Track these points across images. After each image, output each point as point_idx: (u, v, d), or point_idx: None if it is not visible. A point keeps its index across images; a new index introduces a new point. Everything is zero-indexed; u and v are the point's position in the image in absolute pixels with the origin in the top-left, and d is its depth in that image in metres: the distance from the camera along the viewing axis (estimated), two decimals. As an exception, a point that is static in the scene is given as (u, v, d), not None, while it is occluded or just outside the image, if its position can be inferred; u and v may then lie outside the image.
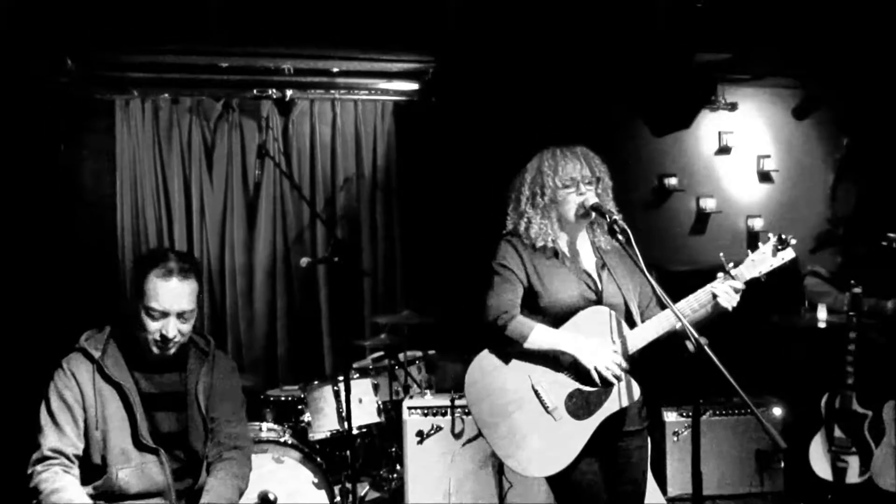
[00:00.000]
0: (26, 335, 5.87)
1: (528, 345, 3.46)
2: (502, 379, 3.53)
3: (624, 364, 3.47)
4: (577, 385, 3.49)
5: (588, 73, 6.78)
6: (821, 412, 5.56)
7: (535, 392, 3.50)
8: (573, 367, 3.48)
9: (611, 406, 3.49)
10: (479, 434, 3.62)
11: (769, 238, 3.55)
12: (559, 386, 3.50)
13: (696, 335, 3.07)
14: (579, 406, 3.48)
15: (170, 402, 3.32)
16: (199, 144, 6.95)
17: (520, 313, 3.55)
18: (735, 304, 3.50)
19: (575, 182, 3.58)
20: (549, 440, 3.46)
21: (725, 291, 3.48)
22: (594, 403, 3.48)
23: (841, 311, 5.74)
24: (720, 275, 3.53)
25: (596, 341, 3.46)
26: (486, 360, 3.57)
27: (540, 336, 3.47)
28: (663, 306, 3.48)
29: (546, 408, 3.48)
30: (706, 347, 3.02)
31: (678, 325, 3.39)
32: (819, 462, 5.54)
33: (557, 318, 3.54)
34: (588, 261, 3.70)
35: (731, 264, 3.54)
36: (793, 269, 6.90)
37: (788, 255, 3.54)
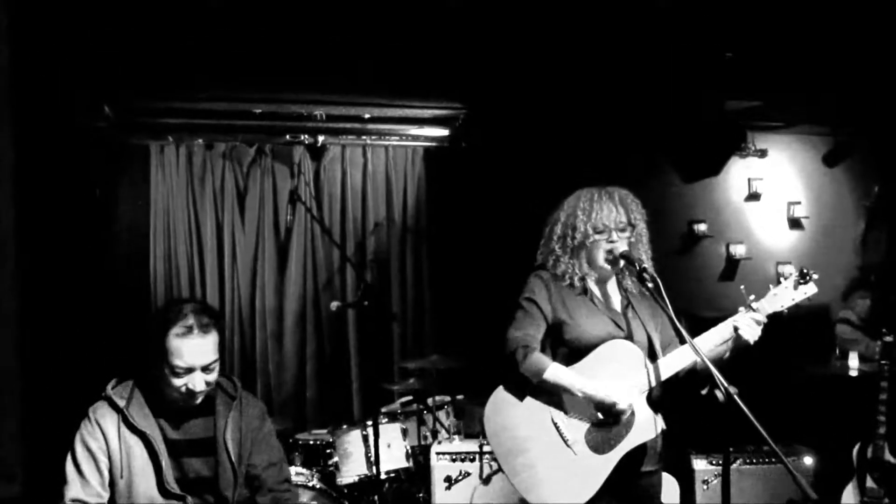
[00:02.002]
0: (60, 379, 5.91)
1: (543, 383, 3.47)
2: (522, 411, 3.53)
3: (637, 399, 3.48)
4: (597, 418, 3.48)
5: (618, 120, 6.82)
6: (852, 462, 5.48)
7: (555, 425, 3.50)
8: (593, 401, 3.47)
9: (633, 439, 3.49)
10: (500, 469, 3.60)
11: (791, 272, 3.58)
12: (579, 419, 3.50)
13: (726, 384, 3.06)
14: (600, 440, 3.48)
15: (198, 448, 3.31)
16: (231, 189, 7.02)
17: (540, 349, 3.56)
18: (757, 338, 3.50)
19: (607, 229, 3.59)
20: (568, 474, 3.45)
21: (747, 324, 3.48)
22: (615, 437, 3.48)
23: (873, 360, 5.69)
24: (742, 308, 3.54)
25: (610, 380, 3.46)
26: (505, 393, 3.57)
27: (554, 375, 3.46)
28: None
29: (566, 441, 3.48)
30: (736, 397, 3.01)
31: (700, 364, 3.42)
32: (851, 513, 5.47)
33: (581, 352, 3.54)
34: (615, 300, 3.72)
35: (753, 297, 3.55)
36: (823, 316, 6.91)
37: (811, 289, 3.55)
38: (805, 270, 3.54)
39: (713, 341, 3.50)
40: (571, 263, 3.64)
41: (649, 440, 3.53)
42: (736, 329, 3.49)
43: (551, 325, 3.61)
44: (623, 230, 3.60)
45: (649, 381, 3.50)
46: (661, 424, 3.54)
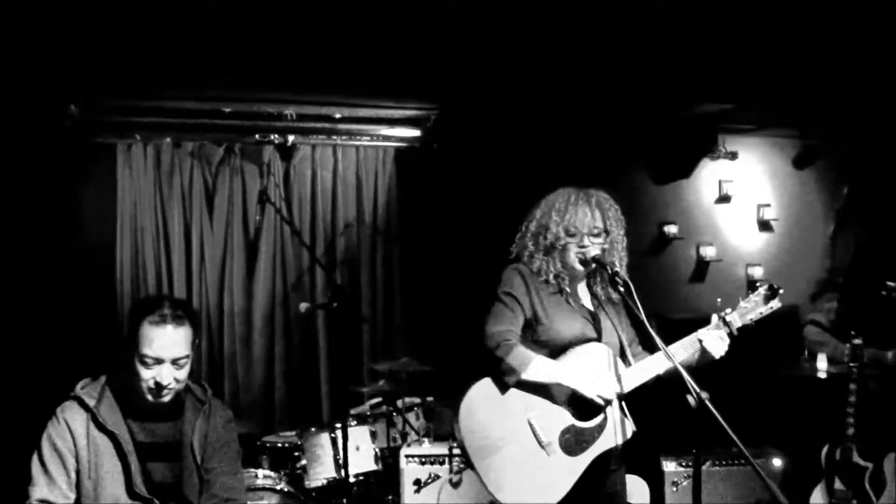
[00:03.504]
0: (23, 380, 5.84)
1: (527, 376, 3.44)
2: (498, 411, 3.50)
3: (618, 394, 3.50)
4: (572, 421, 3.49)
5: (589, 121, 6.81)
6: (821, 464, 5.51)
7: (530, 426, 3.49)
8: (570, 402, 3.48)
9: (604, 443, 3.50)
10: (469, 467, 3.57)
11: (757, 286, 3.63)
12: (554, 420, 3.49)
13: (698, 389, 3.06)
14: (573, 442, 3.49)
15: (165, 452, 3.27)
16: (199, 189, 6.95)
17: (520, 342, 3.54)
18: (723, 353, 3.53)
19: (579, 233, 3.57)
20: (540, 475, 3.45)
21: (712, 339, 3.51)
22: (588, 440, 3.49)
23: (841, 361, 5.72)
24: (714, 317, 3.56)
25: (594, 372, 3.47)
26: (482, 391, 3.53)
27: (539, 367, 3.45)
28: (651, 350, 3.55)
29: (539, 442, 3.47)
30: (707, 402, 3.00)
31: (666, 369, 3.45)
32: (820, 515, 5.49)
33: (555, 351, 3.54)
34: (587, 302, 3.72)
35: (728, 311, 3.58)
36: (792, 317, 6.94)
37: (777, 304, 3.61)
38: (774, 286, 3.59)
39: (678, 355, 3.46)
40: (545, 261, 3.62)
41: (622, 442, 3.54)
42: (701, 342, 3.51)
43: (528, 320, 3.60)
44: (597, 235, 3.58)
45: (621, 387, 3.50)
46: (631, 428, 3.55)
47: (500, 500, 3.45)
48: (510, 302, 3.59)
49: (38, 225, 6.32)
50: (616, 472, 3.68)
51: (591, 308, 3.70)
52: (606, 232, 3.60)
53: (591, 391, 3.42)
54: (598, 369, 3.51)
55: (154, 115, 6.68)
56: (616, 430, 3.50)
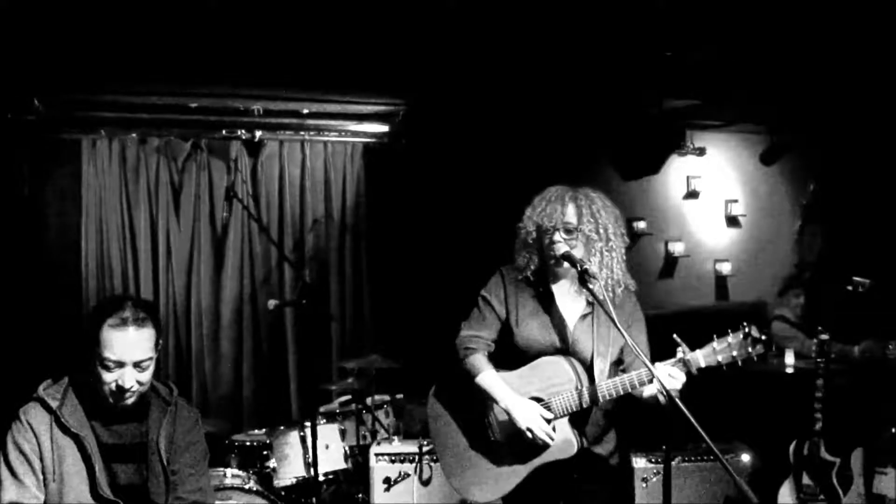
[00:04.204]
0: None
1: (476, 385, 3.54)
2: (464, 401, 3.64)
3: (552, 433, 3.42)
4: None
5: (558, 117, 6.81)
6: (789, 459, 5.54)
7: (488, 423, 3.57)
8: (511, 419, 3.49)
9: (550, 455, 3.48)
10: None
11: (741, 328, 3.24)
12: (507, 422, 3.50)
13: (668, 388, 3.03)
14: (523, 447, 3.49)
15: (130, 454, 3.22)
16: (166, 185, 6.89)
17: (482, 350, 3.60)
18: (674, 392, 3.16)
19: (549, 228, 3.47)
20: (488, 471, 3.57)
21: (663, 376, 3.20)
22: (536, 448, 3.47)
23: (808, 357, 5.74)
24: (678, 352, 3.30)
25: (531, 404, 3.45)
26: (450, 381, 3.69)
27: (484, 381, 3.53)
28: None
29: (494, 440, 3.56)
30: (677, 400, 2.98)
31: (635, 391, 3.37)
32: (788, 510, 5.52)
33: (527, 358, 3.54)
34: (571, 306, 3.59)
35: (682, 349, 3.29)
36: (759, 313, 6.98)
37: (758, 350, 3.23)
38: (756, 335, 3.21)
39: (630, 382, 3.34)
40: (526, 258, 3.58)
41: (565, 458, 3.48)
42: (650, 379, 3.25)
43: (504, 324, 3.61)
44: (568, 232, 3.46)
45: (573, 406, 3.43)
46: (577, 445, 3.46)
47: (452, 486, 3.66)
48: (483, 306, 3.65)
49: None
50: (598, 482, 3.59)
51: (578, 315, 3.56)
52: (579, 229, 3.47)
53: (521, 423, 3.41)
54: (555, 384, 3.46)
55: (119, 110, 6.62)
56: (562, 446, 3.45)
